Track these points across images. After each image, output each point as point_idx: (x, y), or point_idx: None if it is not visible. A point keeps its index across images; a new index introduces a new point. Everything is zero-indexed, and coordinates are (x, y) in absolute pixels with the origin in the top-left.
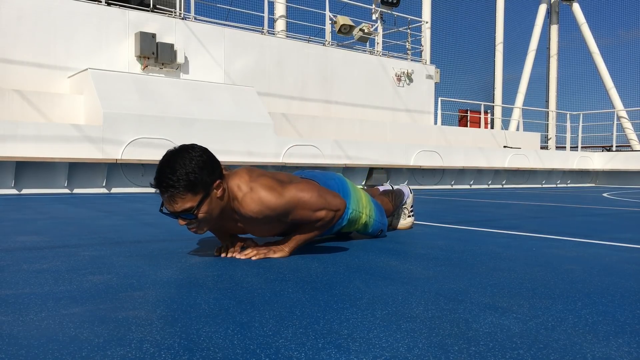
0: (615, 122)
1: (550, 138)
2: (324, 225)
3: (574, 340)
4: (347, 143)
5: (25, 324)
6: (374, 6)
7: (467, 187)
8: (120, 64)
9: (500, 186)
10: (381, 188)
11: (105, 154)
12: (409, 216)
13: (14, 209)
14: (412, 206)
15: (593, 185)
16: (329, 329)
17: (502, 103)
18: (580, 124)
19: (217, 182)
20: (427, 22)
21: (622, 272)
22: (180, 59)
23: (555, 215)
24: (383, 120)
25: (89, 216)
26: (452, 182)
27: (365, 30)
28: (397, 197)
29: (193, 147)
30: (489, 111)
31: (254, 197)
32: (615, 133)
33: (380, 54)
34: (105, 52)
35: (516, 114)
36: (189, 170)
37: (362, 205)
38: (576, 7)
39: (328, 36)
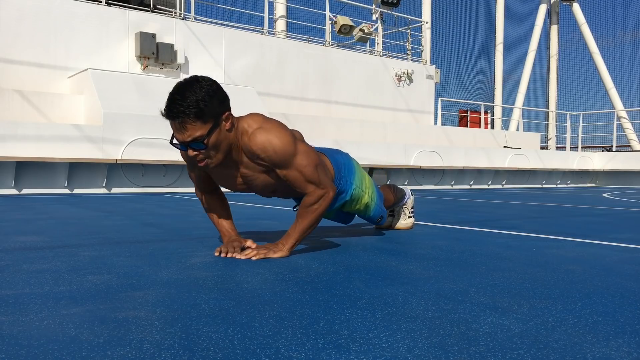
0: (615, 122)
1: (550, 138)
2: (313, 208)
3: (574, 340)
4: (347, 143)
5: (25, 324)
6: (374, 6)
7: (467, 187)
8: (121, 64)
9: (500, 186)
10: None
11: (105, 154)
12: (409, 217)
13: (14, 209)
14: (412, 207)
15: (593, 185)
16: (329, 329)
17: (502, 103)
18: (580, 124)
19: (227, 113)
20: (427, 22)
21: (622, 272)
22: (180, 59)
23: (555, 215)
24: (383, 120)
25: (89, 216)
26: (452, 182)
27: (366, 31)
28: (397, 191)
29: (203, 77)
30: (489, 111)
31: (263, 134)
32: (615, 133)
33: (381, 54)
34: (105, 52)
35: (516, 114)
36: (199, 98)
37: (366, 185)
38: (576, 7)
39: (328, 36)
